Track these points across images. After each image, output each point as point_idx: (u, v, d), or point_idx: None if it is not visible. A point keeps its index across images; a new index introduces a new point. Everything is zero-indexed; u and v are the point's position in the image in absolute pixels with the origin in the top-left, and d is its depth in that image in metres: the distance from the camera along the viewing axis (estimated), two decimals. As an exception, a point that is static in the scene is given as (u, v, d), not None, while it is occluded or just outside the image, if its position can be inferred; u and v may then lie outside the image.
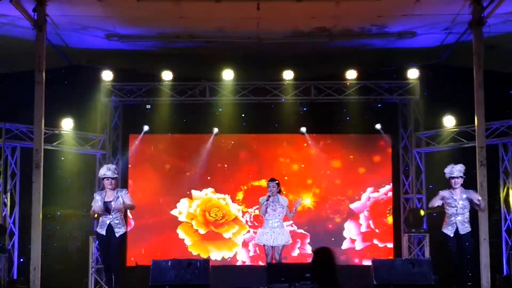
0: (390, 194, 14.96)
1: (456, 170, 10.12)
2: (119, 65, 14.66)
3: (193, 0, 11.44)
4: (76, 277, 13.99)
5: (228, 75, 14.45)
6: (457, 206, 10.07)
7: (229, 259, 14.87)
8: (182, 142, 15.26)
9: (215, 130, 14.92)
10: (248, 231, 14.97)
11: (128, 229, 13.31)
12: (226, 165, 15.16)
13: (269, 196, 10.72)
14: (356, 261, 14.87)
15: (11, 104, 13.90)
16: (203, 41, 13.31)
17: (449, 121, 14.32)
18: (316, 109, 14.92)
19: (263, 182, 14.28)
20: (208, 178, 15.08)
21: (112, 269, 10.13)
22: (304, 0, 11.27)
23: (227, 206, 15.07)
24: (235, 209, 15.05)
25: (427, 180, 14.66)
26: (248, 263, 14.85)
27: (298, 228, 14.90)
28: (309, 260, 13.22)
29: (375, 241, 14.96)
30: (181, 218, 15.04)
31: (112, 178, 10.05)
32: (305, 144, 15.11)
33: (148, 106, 14.82)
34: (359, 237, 14.99)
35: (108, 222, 9.99)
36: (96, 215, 10.44)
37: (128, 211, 12.56)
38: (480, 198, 10.24)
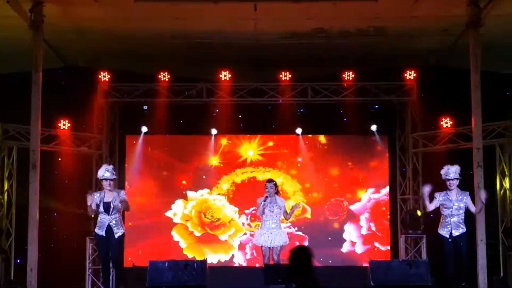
0: (390, 195, 14.97)
1: (451, 172, 10.13)
2: (116, 66, 14.65)
3: (190, 1, 11.44)
4: (72, 278, 13.95)
5: (225, 76, 14.44)
6: (452, 207, 10.08)
7: (225, 262, 14.73)
8: (178, 143, 15.23)
9: (214, 131, 14.87)
10: (245, 233, 14.85)
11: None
12: (222, 165, 15.07)
13: (266, 197, 10.72)
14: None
15: (8, 105, 13.86)
16: (200, 42, 13.31)
17: (446, 122, 14.32)
18: (313, 110, 14.92)
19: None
20: (204, 177, 14.97)
21: (115, 269, 10.16)
22: (301, 1, 11.28)
23: (223, 208, 14.97)
24: (231, 211, 14.93)
25: (424, 181, 14.61)
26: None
27: (296, 230, 14.81)
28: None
29: (376, 244, 14.84)
30: (176, 219, 14.90)
31: (111, 179, 10.05)
32: (301, 145, 15.06)
33: (145, 107, 14.81)
34: (359, 239, 14.87)
35: (107, 223, 9.98)
36: (92, 216, 10.45)
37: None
38: (476, 207, 10.24)
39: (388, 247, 14.78)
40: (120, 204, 10.01)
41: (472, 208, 10.19)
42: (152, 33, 12.87)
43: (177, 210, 14.93)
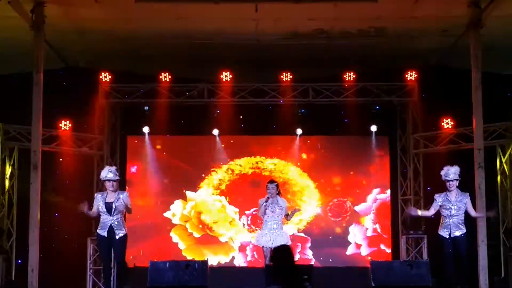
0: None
1: (451, 173, 10.14)
2: (117, 67, 14.66)
3: (191, 2, 11.44)
4: (73, 278, 13.96)
5: (226, 76, 14.45)
6: (451, 208, 10.09)
7: (225, 264, 14.63)
8: (179, 143, 15.22)
9: (216, 131, 14.85)
10: (245, 235, 14.77)
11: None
12: (222, 165, 15.06)
13: (268, 198, 10.72)
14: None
15: (9, 105, 13.88)
16: (201, 43, 13.31)
17: (447, 123, 14.32)
18: (314, 111, 14.92)
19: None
20: (203, 175, 14.93)
21: (120, 269, 10.18)
22: (303, 1, 11.28)
23: (224, 208, 14.91)
24: (231, 211, 14.88)
25: (425, 182, 14.64)
26: (245, 267, 14.72)
27: (298, 232, 14.75)
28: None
29: (383, 247, 14.74)
30: (175, 220, 14.82)
31: (114, 180, 10.05)
32: (299, 145, 15.04)
33: (146, 108, 14.82)
34: (365, 242, 14.76)
35: (109, 223, 9.98)
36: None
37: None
38: (477, 214, 10.25)
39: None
40: (123, 207, 10.02)
41: (471, 210, 10.18)
42: (153, 33, 12.87)
43: (176, 211, 14.85)
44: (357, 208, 14.85)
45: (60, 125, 14.25)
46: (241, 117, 15.08)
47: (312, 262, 14.23)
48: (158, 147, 15.09)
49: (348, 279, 13.25)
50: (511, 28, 12.27)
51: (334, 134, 15.25)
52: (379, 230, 14.78)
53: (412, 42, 13.47)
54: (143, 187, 14.97)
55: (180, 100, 14.62)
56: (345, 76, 14.52)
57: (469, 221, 10.33)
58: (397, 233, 14.71)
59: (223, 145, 15.04)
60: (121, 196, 10.02)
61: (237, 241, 14.80)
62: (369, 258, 14.29)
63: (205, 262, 10.51)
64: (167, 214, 14.83)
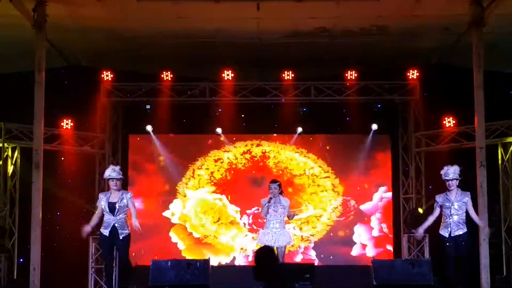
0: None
1: (450, 172, 10.13)
2: (119, 65, 14.66)
3: (192, 0, 11.44)
4: (75, 277, 13.97)
5: (228, 75, 14.44)
6: (451, 208, 10.08)
7: (226, 264, 14.51)
8: (181, 142, 15.20)
9: (219, 130, 14.81)
10: (246, 235, 14.68)
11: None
12: (223, 165, 15.05)
13: (270, 198, 10.71)
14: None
15: (11, 104, 13.89)
16: (203, 41, 13.31)
17: (448, 122, 14.31)
18: (316, 109, 14.92)
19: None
20: (203, 175, 14.93)
21: (123, 269, 10.18)
22: (304, 0, 11.27)
23: (224, 207, 14.80)
24: (232, 211, 14.77)
25: (426, 181, 14.64)
26: (247, 268, 14.68)
27: (300, 231, 14.66)
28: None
29: (389, 247, 14.63)
30: (174, 220, 14.72)
31: (117, 179, 10.05)
32: (299, 144, 15.02)
33: (148, 106, 14.81)
34: (370, 242, 14.65)
35: (112, 223, 9.97)
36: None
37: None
38: (476, 219, 10.23)
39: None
40: (126, 206, 10.03)
41: (471, 210, 10.15)
42: (155, 32, 12.87)
43: (176, 210, 14.77)
44: (362, 207, 14.75)
45: (62, 124, 14.26)
46: (242, 116, 15.08)
47: (316, 263, 14.16)
48: (159, 145, 15.03)
49: (350, 277, 13.23)
50: (513, 26, 12.27)
51: (335, 133, 15.23)
52: (385, 229, 14.65)
53: (414, 41, 13.46)
54: (142, 185, 14.90)
55: (181, 99, 14.62)
56: (347, 74, 14.51)
57: (470, 219, 10.31)
58: (399, 232, 14.70)
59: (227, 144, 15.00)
60: (125, 196, 10.02)
61: (238, 240, 14.68)
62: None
63: (206, 261, 10.51)
64: (166, 214, 14.75)
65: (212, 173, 14.91)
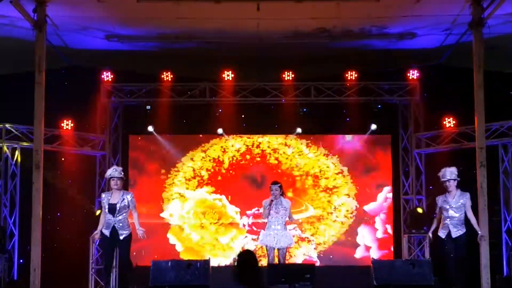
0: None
1: (447, 173, 10.16)
2: (119, 66, 14.67)
3: (192, 1, 11.44)
4: (76, 278, 13.96)
5: (228, 75, 14.44)
6: (449, 209, 10.08)
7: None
8: (181, 142, 15.18)
9: (220, 130, 14.74)
10: (246, 236, 14.60)
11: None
12: (223, 166, 14.96)
13: (272, 200, 10.71)
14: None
15: (11, 105, 13.89)
16: (203, 42, 13.31)
17: (449, 122, 14.31)
18: (316, 110, 14.91)
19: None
20: (203, 175, 14.86)
21: (124, 269, 10.20)
22: (304, 0, 11.28)
23: (224, 208, 14.74)
24: (232, 211, 14.70)
25: (427, 181, 14.63)
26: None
27: (302, 233, 14.60)
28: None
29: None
30: (173, 221, 14.64)
31: (118, 178, 10.11)
32: (301, 144, 15.00)
33: (148, 107, 14.81)
34: (375, 244, 14.54)
35: (112, 224, 9.99)
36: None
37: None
38: (474, 223, 10.22)
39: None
40: (127, 206, 10.04)
41: (469, 212, 10.15)
42: (155, 32, 12.87)
43: (174, 211, 14.71)
44: (366, 207, 14.67)
45: (62, 124, 14.26)
46: (243, 116, 15.08)
47: (317, 264, 14.12)
48: (160, 146, 14.98)
49: (350, 278, 13.22)
50: (513, 27, 12.28)
51: (335, 133, 15.21)
52: (389, 230, 14.54)
53: (414, 41, 13.45)
54: (142, 185, 14.88)
55: (182, 99, 14.62)
56: (347, 75, 14.51)
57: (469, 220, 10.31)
58: (399, 232, 14.69)
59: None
60: (125, 197, 10.04)
61: (238, 242, 14.58)
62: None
63: (207, 262, 10.51)
64: (164, 215, 14.67)
65: (212, 173, 14.87)
